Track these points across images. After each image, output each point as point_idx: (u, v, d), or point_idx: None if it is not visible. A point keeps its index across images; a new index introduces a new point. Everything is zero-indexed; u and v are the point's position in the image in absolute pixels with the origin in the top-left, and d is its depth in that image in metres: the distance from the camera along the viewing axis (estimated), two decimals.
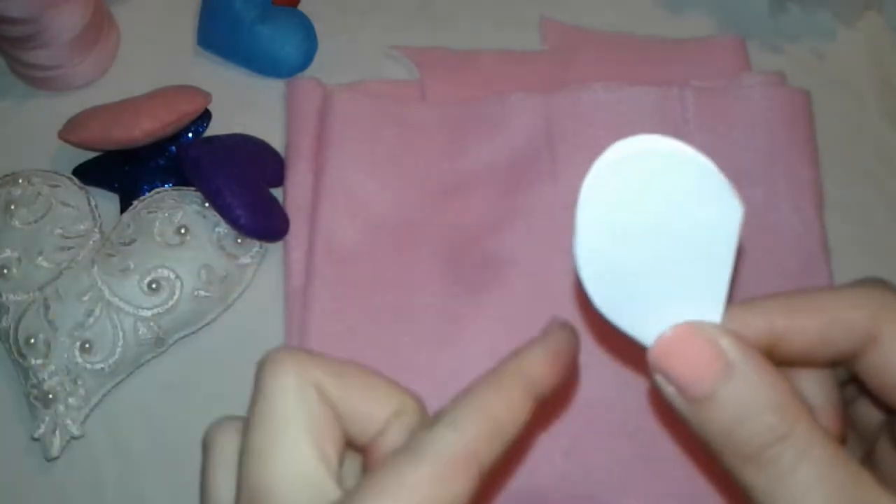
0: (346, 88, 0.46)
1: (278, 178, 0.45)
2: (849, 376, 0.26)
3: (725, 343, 0.22)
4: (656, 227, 0.22)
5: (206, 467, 0.23)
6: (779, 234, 0.43)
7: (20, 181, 0.44)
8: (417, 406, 0.24)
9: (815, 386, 0.25)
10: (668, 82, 0.45)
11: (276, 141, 0.46)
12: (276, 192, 0.45)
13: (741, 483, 0.22)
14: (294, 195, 0.44)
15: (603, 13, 0.50)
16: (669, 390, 0.23)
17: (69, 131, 0.45)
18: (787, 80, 0.46)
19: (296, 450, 0.21)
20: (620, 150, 0.22)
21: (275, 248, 0.45)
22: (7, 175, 0.44)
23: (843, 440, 0.26)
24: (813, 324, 0.23)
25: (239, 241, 0.43)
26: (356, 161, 0.44)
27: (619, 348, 0.40)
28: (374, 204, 0.44)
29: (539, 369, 0.24)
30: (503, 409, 0.22)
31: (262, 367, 0.22)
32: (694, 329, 0.22)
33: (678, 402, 0.23)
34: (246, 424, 0.22)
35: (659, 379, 0.23)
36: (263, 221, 0.43)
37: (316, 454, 0.21)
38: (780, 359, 0.24)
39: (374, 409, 0.23)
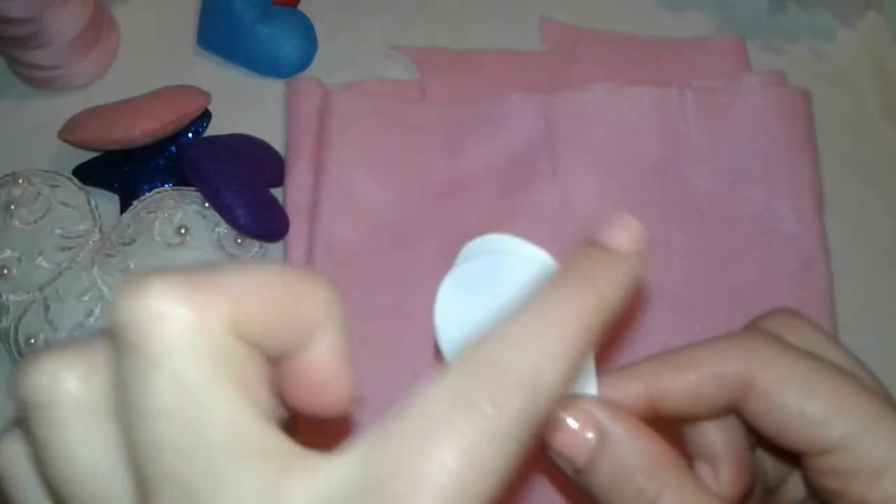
0: (346, 88, 0.46)
1: (278, 178, 0.45)
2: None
3: (598, 413, 0.23)
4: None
5: (46, 436, 0.16)
6: (779, 234, 0.43)
7: (20, 181, 0.44)
8: (338, 295, 0.19)
9: (719, 435, 0.26)
10: (668, 82, 0.45)
11: (276, 141, 0.46)
12: (276, 192, 0.45)
13: None
14: (294, 195, 0.44)
15: (603, 13, 0.50)
16: (560, 462, 0.24)
17: (69, 131, 0.45)
18: (787, 80, 0.46)
19: (233, 425, 0.15)
20: (464, 255, 0.24)
21: (275, 248, 0.45)
22: (7, 175, 0.44)
23: (748, 486, 0.27)
24: (684, 383, 0.24)
25: (239, 241, 0.43)
26: (356, 161, 0.44)
27: None
28: (374, 204, 0.44)
29: (614, 300, 0.20)
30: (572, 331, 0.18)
31: (134, 321, 0.15)
32: (569, 404, 0.23)
33: (568, 471, 0.24)
34: (131, 404, 0.15)
35: (550, 453, 0.24)
36: (263, 221, 0.43)
37: (255, 414, 0.16)
38: (665, 416, 0.25)
39: (301, 323, 0.18)
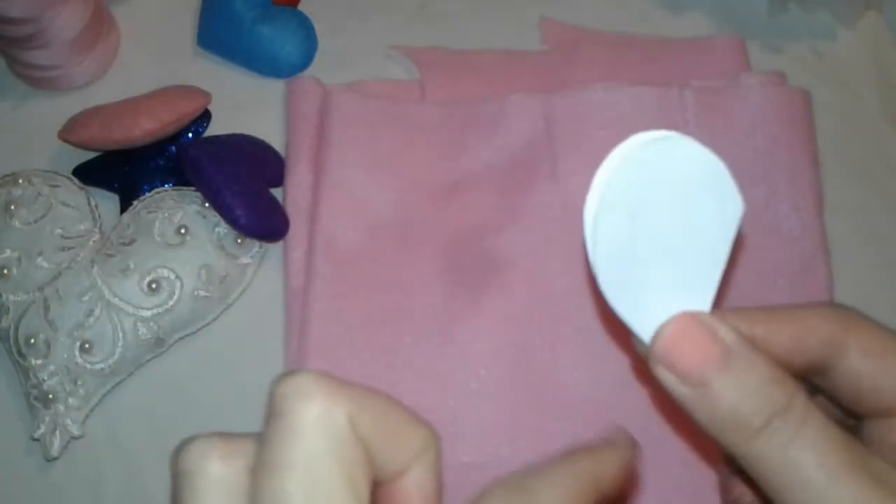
0: (346, 88, 0.46)
1: (278, 178, 0.45)
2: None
3: (723, 330, 0.23)
4: (661, 217, 0.23)
5: (188, 498, 0.19)
6: (779, 234, 0.43)
7: (20, 181, 0.44)
8: (437, 442, 0.22)
9: None
10: (668, 82, 0.45)
11: (276, 141, 0.46)
12: (276, 192, 0.45)
13: (746, 460, 0.23)
14: (294, 195, 0.44)
15: (603, 13, 0.50)
16: (671, 379, 0.24)
17: (69, 131, 0.45)
18: (787, 80, 0.46)
19: (335, 496, 0.18)
20: (637, 140, 0.23)
21: (275, 248, 0.45)
22: (7, 175, 0.44)
23: None
24: (790, 330, 0.25)
25: (239, 241, 0.43)
26: (356, 161, 0.44)
27: (626, 345, 0.41)
28: (374, 204, 0.44)
29: (610, 474, 0.23)
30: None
31: (284, 393, 0.19)
32: (694, 319, 0.24)
33: (681, 390, 0.24)
34: (264, 461, 0.19)
35: (660, 369, 0.24)
36: (263, 221, 0.43)
37: (353, 498, 0.19)
38: None
39: (401, 447, 0.21)
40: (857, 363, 0.25)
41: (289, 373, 0.20)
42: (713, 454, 0.39)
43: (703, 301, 0.24)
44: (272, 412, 0.19)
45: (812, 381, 0.26)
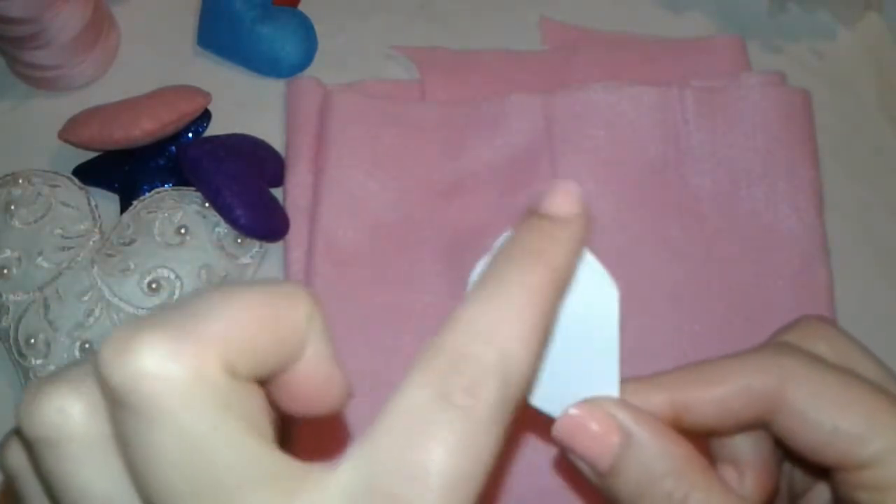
0: (346, 88, 0.46)
1: (278, 178, 0.45)
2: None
3: (622, 415, 0.23)
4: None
5: (64, 471, 0.16)
6: (779, 234, 0.43)
7: (20, 181, 0.44)
8: (316, 301, 0.19)
9: (744, 439, 0.26)
10: (668, 82, 0.45)
11: (276, 141, 0.46)
12: (276, 192, 0.45)
13: None
14: (294, 195, 0.44)
15: (603, 13, 0.50)
16: (581, 465, 0.23)
17: (69, 131, 0.45)
18: (787, 80, 0.46)
19: (237, 459, 0.16)
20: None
21: (275, 248, 0.45)
22: (7, 175, 0.44)
23: (773, 491, 0.26)
24: (711, 396, 0.24)
25: (239, 241, 0.43)
26: (356, 161, 0.44)
27: None
28: (374, 204, 0.44)
29: (566, 259, 0.20)
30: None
31: (129, 378, 0.15)
32: (591, 406, 0.23)
33: (590, 475, 0.23)
34: (136, 461, 0.16)
35: (571, 455, 0.23)
36: (263, 221, 0.43)
37: (257, 445, 0.16)
38: (689, 429, 0.24)
39: (287, 340, 0.18)
40: (793, 420, 0.23)
41: (116, 342, 0.16)
42: None
43: (609, 386, 0.23)
44: (118, 403, 0.16)
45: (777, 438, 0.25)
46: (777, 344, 0.26)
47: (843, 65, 0.49)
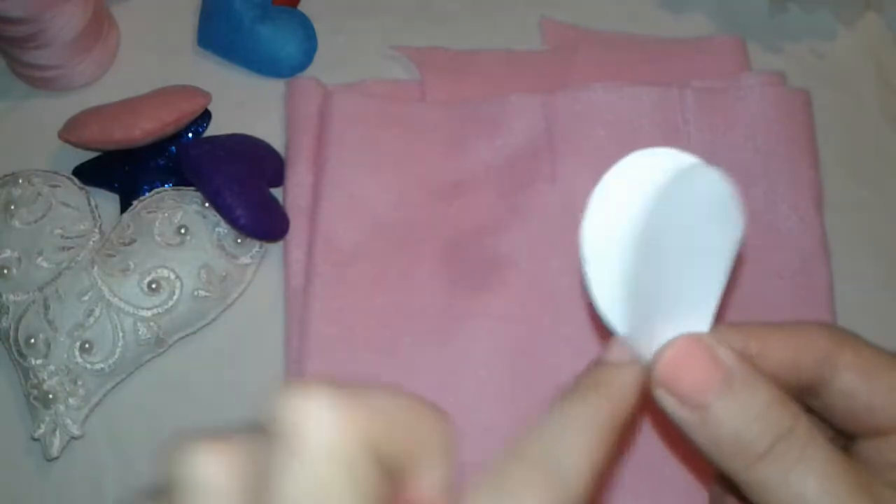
0: (346, 88, 0.46)
1: (278, 178, 0.45)
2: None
3: (723, 352, 0.23)
4: (661, 238, 0.22)
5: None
6: (779, 234, 0.43)
7: (20, 181, 0.44)
8: (451, 436, 0.21)
9: None
10: (668, 82, 0.45)
11: (276, 141, 0.46)
12: (276, 192, 0.45)
13: (747, 485, 0.23)
14: (294, 195, 0.44)
15: (603, 13, 0.50)
16: (671, 402, 0.23)
17: (69, 131, 0.45)
18: (787, 80, 0.46)
19: None
20: (638, 156, 0.23)
21: (275, 248, 0.45)
22: (7, 175, 0.44)
23: None
24: (785, 346, 0.24)
25: (239, 241, 0.43)
26: (356, 161, 0.44)
27: None
28: (374, 204, 0.44)
29: (625, 402, 0.22)
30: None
31: (291, 414, 0.17)
32: (694, 341, 0.23)
33: (681, 414, 0.23)
34: (272, 492, 0.17)
35: (660, 392, 0.23)
36: (263, 221, 0.43)
37: None
38: None
39: (417, 450, 0.19)
40: (850, 382, 0.24)
41: (295, 388, 0.17)
42: (706, 470, 0.39)
43: (702, 321, 0.23)
44: (277, 433, 0.17)
45: (804, 400, 0.26)
46: (827, 323, 0.27)
47: (843, 65, 0.49)
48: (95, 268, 0.42)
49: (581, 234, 0.23)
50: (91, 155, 0.47)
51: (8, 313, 0.42)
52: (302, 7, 0.50)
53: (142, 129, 0.44)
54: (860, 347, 0.25)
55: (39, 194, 0.43)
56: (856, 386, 0.24)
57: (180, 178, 0.45)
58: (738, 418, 0.22)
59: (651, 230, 0.22)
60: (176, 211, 0.43)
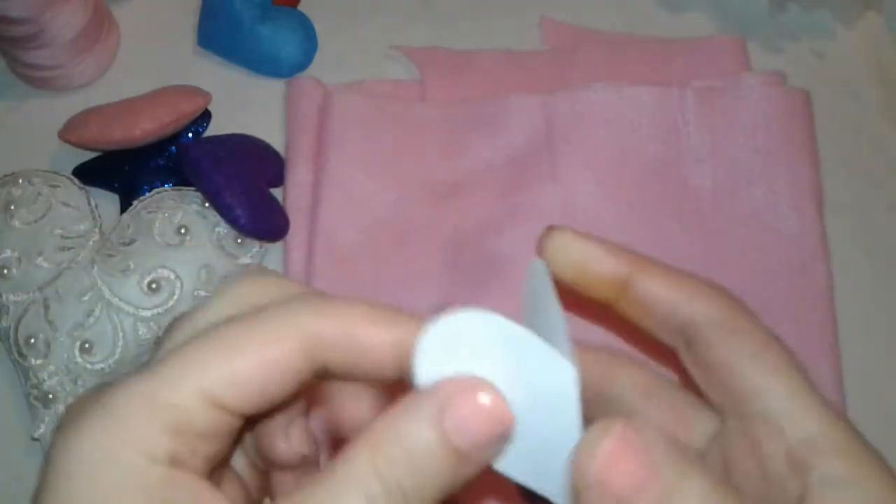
0: (346, 88, 0.46)
1: (278, 178, 0.45)
2: None
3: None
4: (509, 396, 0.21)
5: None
6: (779, 234, 0.43)
7: (20, 181, 0.44)
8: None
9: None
10: (668, 82, 0.45)
11: (276, 141, 0.46)
12: (277, 192, 0.45)
13: None
14: (294, 195, 0.44)
15: (603, 13, 0.50)
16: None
17: (69, 131, 0.45)
18: (787, 80, 0.46)
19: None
20: (446, 322, 0.22)
21: (275, 248, 0.45)
22: (7, 175, 0.44)
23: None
24: (670, 285, 0.27)
25: (239, 241, 0.43)
26: (356, 161, 0.44)
27: (626, 344, 0.40)
28: (374, 204, 0.44)
29: None
30: None
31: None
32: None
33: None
34: None
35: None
36: (263, 221, 0.43)
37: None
38: (622, 306, 0.27)
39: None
40: (710, 351, 0.25)
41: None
42: None
43: (561, 344, 0.22)
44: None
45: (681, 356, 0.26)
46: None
47: (843, 65, 0.49)
48: (95, 268, 0.42)
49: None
50: (91, 155, 0.47)
51: (8, 313, 0.42)
52: (302, 7, 0.50)
53: (142, 129, 0.44)
54: (738, 317, 0.25)
55: (39, 194, 0.43)
56: (715, 356, 0.25)
57: (180, 178, 0.45)
58: None
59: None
60: (176, 211, 0.43)
